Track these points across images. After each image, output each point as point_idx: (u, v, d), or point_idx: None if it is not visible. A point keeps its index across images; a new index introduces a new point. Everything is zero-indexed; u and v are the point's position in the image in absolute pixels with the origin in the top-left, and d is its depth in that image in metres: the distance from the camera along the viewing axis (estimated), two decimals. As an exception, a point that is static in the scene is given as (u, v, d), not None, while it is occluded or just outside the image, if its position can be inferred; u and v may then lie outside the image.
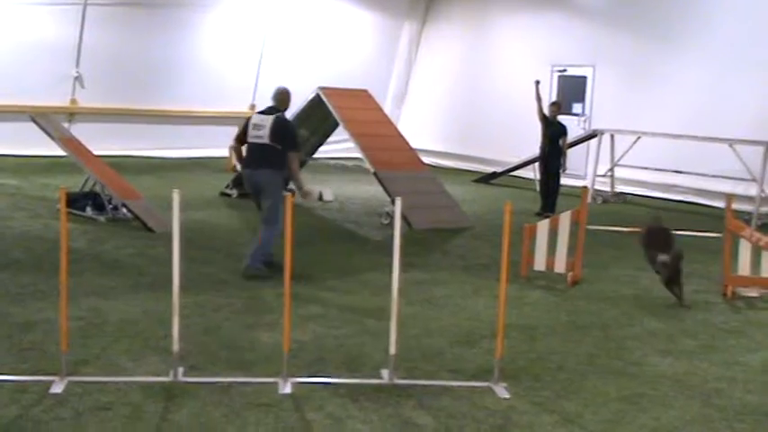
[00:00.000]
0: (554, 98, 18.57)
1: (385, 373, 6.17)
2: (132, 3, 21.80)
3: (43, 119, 13.85)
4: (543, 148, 15.25)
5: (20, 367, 6.05)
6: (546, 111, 15.32)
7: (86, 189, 12.94)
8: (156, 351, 6.51)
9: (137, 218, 12.05)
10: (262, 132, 9.34)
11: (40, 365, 6.08)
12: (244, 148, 9.63)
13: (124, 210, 12.42)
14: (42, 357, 6.27)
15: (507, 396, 5.95)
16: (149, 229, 11.69)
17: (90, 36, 21.45)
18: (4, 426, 5.05)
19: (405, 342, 6.57)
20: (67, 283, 5.92)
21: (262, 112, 9.65)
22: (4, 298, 7.92)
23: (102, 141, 19.84)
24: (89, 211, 12.37)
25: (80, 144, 13.62)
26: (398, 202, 6.15)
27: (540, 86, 15.57)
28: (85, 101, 21.87)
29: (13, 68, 20.58)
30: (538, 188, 15.91)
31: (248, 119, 9.70)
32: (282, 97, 9.72)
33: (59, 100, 21.38)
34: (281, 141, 9.33)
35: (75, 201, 12.37)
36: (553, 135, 15.07)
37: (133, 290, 8.53)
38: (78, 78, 21.54)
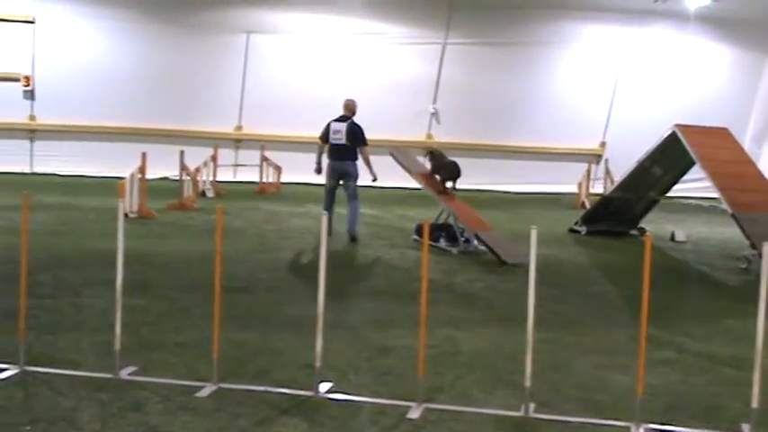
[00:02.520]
0: None
1: (746, 427, 5.81)
2: (489, 42, 22.43)
3: (400, 153, 14.55)
4: None
5: (379, 390, 6.32)
6: None
7: (440, 221, 13.40)
8: (506, 385, 6.56)
9: (490, 249, 12.26)
10: (340, 135, 13.14)
11: (397, 390, 6.32)
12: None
13: (475, 243, 12.73)
14: (399, 382, 6.52)
15: None
16: (502, 261, 11.86)
17: (447, 74, 22.30)
18: (365, 445, 5.31)
19: (767, 396, 6.16)
20: (425, 313, 6.13)
21: (337, 120, 13.31)
22: (366, 323, 8.36)
23: (455, 175, 20.49)
24: (442, 243, 12.79)
25: (435, 178, 14.12)
26: (767, 247, 5.80)
27: None
28: (440, 136, 22.69)
29: (375, 104, 21.82)
30: None
31: (328, 125, 13.33)
32: (350, 106, 13.44)
33: (416, 134, 22.37)
34: (354, 141, 13.09)
35: (430, 232, 12.81)
36: None
37: (484, 322, 8.69)
38: (435, 114, 22.43)
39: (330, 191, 13.45)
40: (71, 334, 7.37)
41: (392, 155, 14.19)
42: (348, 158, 13.19)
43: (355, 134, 13.14)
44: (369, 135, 21.22)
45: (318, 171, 13.58)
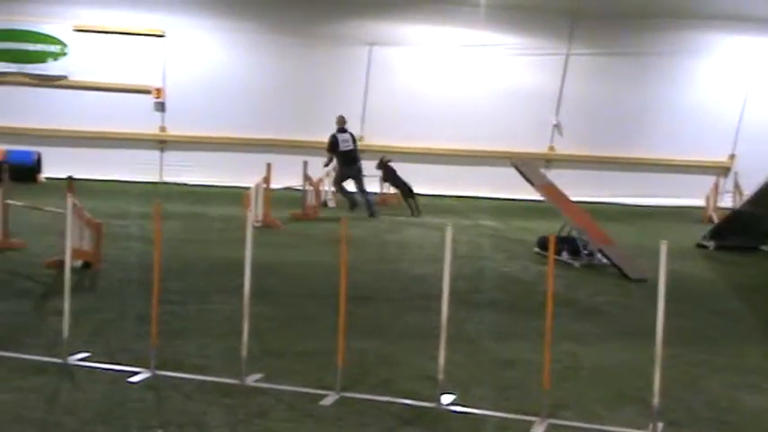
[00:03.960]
0: None
1: None
2: (613, 52, 22.09)
3: (524, 164, 14.42)
4: None
5: (501, 404, 6.26)
6: None
7: (562, 234, 13.22)
8: (632, 402, 6.42)
9: (613, 264, 12.05)
10: (348, 143, 17.20)
11: (520, 404, 6.25)
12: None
13: (599, 256, 12.52)
14: (522, 396, 6.45)
15: None
16: (626, 276, 11.63)
17: (570, 85, 22.06)
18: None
19: None
20: (549, 327, 6.05)
21: (339, 132, 17.32)
22: (487, 335, 8.30)
23: (578, 187, 20.30)
24: (565, 256, 12.61)
25: (557, 190, 13.96)
26: None
27: None
28: (563, 148, 22.45)
29: (496, 115, 21.82)
30: None
31: (335, 137, 17.25)
32: (343, 120, 17.52)
33: (538, 146, 22.17)
34: (356, 144, 17.42)
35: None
36: None
37: (608, 337, 8.53)
38: (557, 126, 22.21)
39: (344, 188, 17.82)
40: (198, 339, 7.55)
41: (515, 166, 14.06)
42: (359, 160, 17.37)
43: (356, 139, 17.26)
44: (490, 146, 21.41)
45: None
